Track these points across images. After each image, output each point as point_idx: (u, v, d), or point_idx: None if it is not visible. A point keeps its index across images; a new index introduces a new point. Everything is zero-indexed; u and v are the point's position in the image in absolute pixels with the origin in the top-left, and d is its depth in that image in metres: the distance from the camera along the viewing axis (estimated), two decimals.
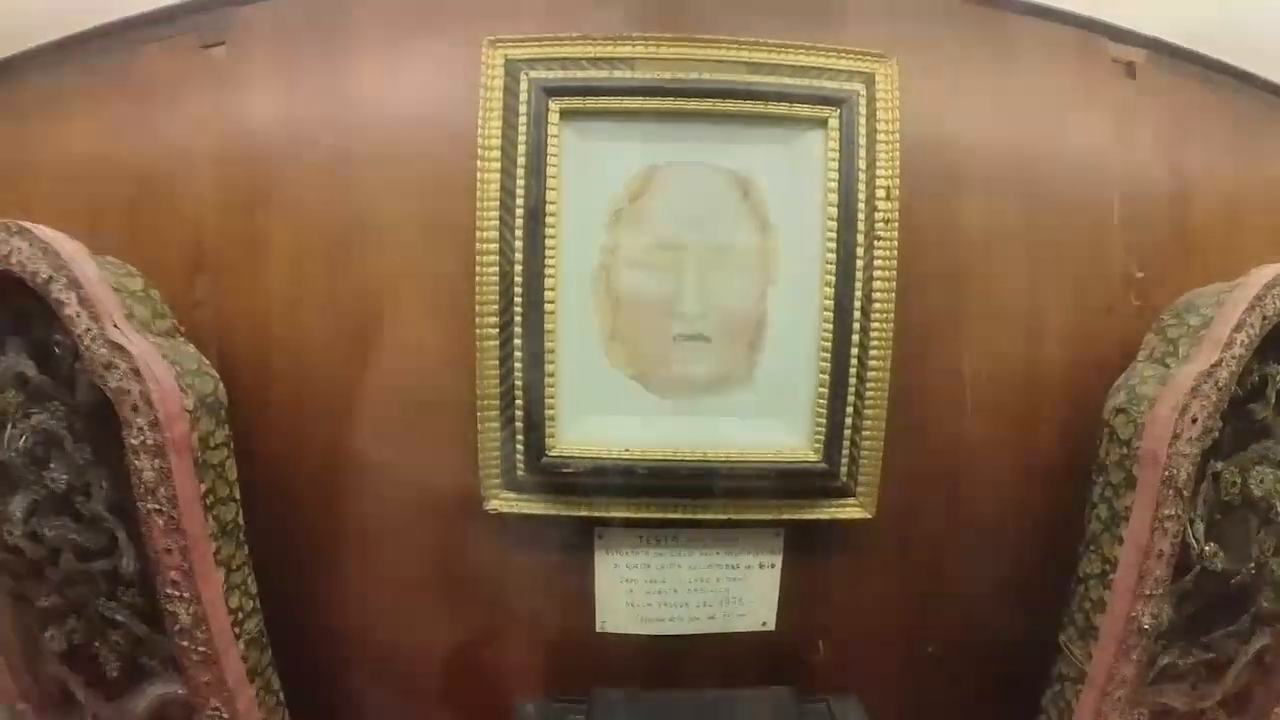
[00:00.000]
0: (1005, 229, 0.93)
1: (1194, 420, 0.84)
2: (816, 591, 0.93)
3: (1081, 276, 0.96)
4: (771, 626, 0.93)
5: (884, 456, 0.87)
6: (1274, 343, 0.95)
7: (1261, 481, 0.96)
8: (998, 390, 0.94)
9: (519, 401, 0.81)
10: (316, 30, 0.85)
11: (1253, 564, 0.99)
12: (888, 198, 0.83)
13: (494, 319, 0.80)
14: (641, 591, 0.90)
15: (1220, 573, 0.98)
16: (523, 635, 0.91)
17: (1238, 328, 0.86)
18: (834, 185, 0.80)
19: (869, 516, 0.87)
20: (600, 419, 0.82)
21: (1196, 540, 0.94)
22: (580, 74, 0.79)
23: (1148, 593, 0.86)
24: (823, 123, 0.81)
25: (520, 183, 0.79)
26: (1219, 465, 0.95)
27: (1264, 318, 0.88)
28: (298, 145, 0.84)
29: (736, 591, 0.91)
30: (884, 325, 0.83)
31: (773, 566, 0.91)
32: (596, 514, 0.85)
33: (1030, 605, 0.97)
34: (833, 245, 0.81)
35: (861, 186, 0.81)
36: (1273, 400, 0.95)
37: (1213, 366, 0.85)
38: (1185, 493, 0.85)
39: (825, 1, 0.88)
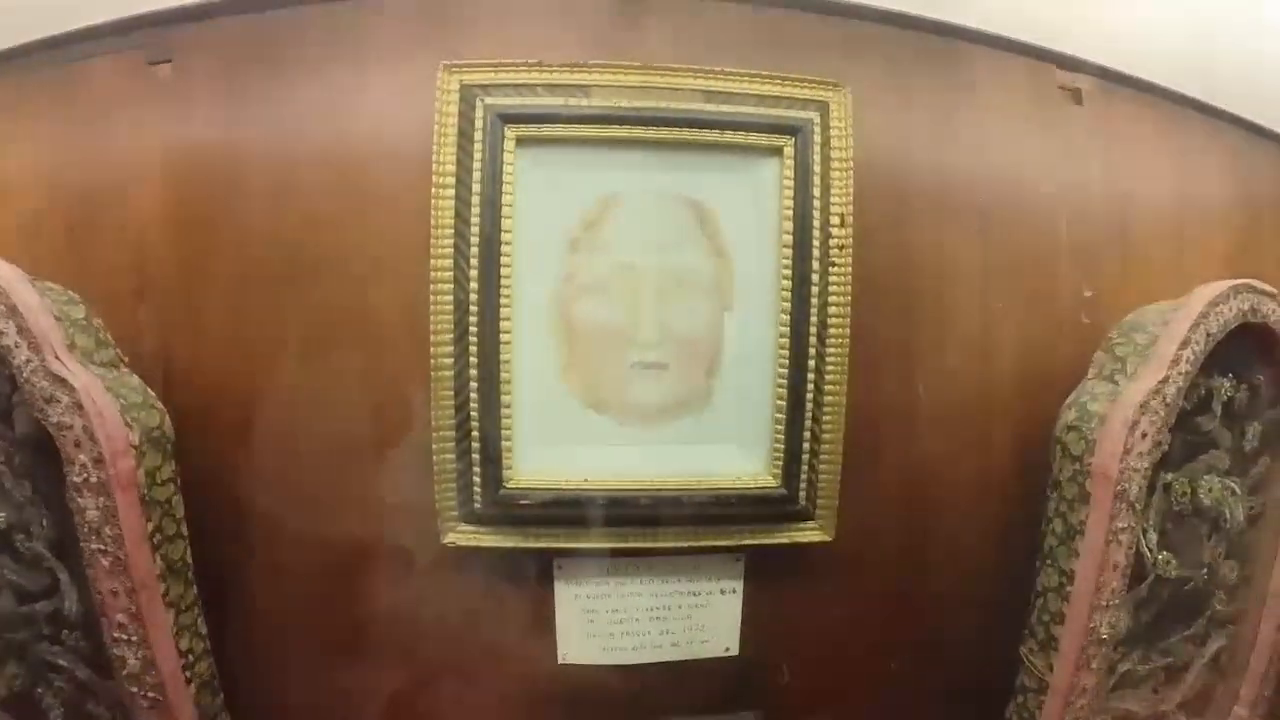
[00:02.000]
0: (957, 253, 0.95)
1: (1144, 435, 0.86)
2: (779, 616, 0.93)
3: (1032, 297, 0.98)
4: (735, 652, 0.93)
5: (842, 479, 0.88)
6: (1217, 357, 0.98)
7: (1210, 490, 0.98)
8: (952, 410, 0.95)
9: (475, 433, 0.80)
10: (263, 50, 0.83)
11: (1205, 569, 1.02)
12: (842, 224, 0.84)
13: (449, 349, 0.79)
14: (603, 621, 0.89)
15: (1174, 579, 1.00)
16: (484, 670, 0.89)
17: (1183, 345, 0.88)
18: (789, 212, 0.81)
19: (828, 539, 0.87)
20: (558, 449, 0.82)
21: (1150, 550, 0.96)
22: (536, 101, 0.79)
23: (1105, 603, 0.88)
24: (778, 151, 0.81)
25: (475, 210, 0.78)
26: (1169, 477, 0.98)
27: (1208, 334, 0.90)
28: (244, 168, 0.82)
29: (699, 618, 0.91)
30: (840, 349, 0.84)
31: (734, 592, 0.91)
32: (556, 545, 0.84)
33: (991, 619, 0.99)
34: (788, 271, 0.81)
35: (816, 213, 0.82)
36: (1218, 413, 0.98)
37: (1160, 383, 0.87)
38: (1137, 505, 0.87)
39: (780, 31, 0.89)
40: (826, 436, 0.85)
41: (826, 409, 0.84)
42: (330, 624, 0.87)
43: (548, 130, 0.79)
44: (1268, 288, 0.96)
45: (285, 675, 0.88)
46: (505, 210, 0.78)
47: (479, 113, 0.78)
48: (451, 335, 0.79)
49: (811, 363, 0.82)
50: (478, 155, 0.78)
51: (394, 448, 0.84)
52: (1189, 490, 0.98)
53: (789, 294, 0.81)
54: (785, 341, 0.82)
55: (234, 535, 0.84)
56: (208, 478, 0.82)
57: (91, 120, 0.84)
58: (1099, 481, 0.86)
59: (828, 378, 0.84)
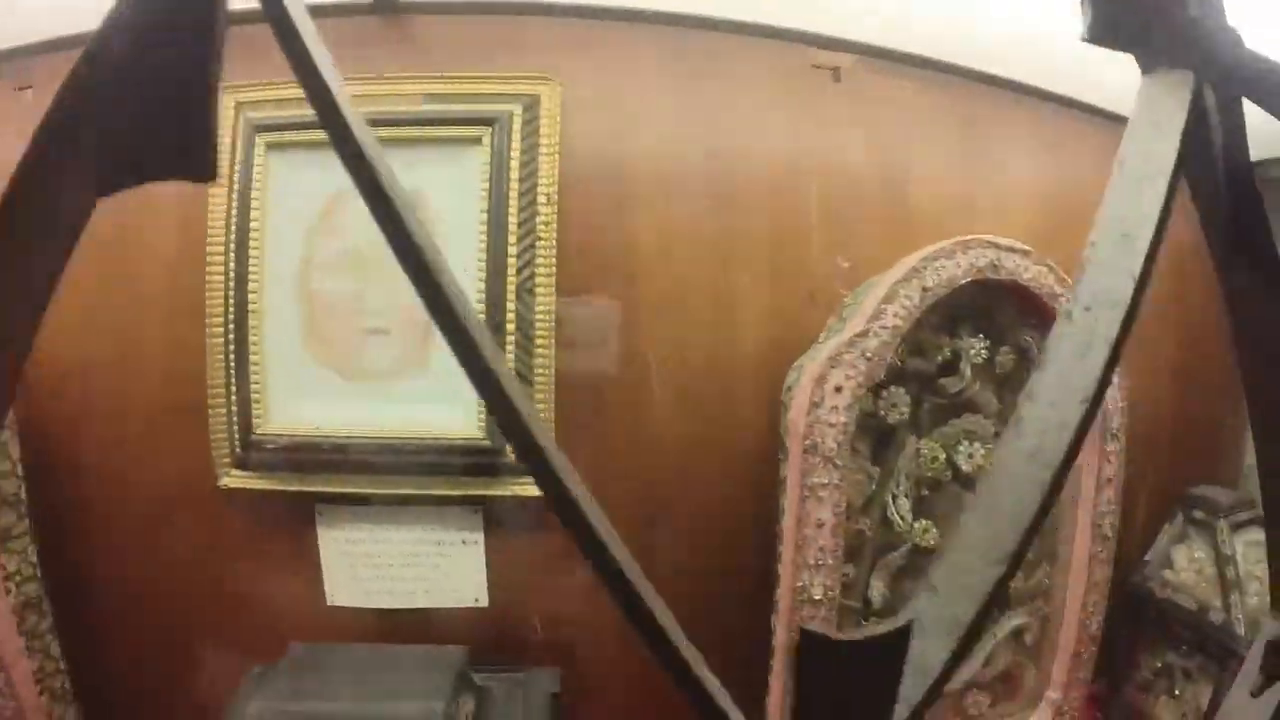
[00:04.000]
0: (689, 230, 1.00)
1: (837, 389, 0.87)
2: (524, 571, 1.00)
3: (778, 270, 1.02)
4: (485, 604, 1.00)
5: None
6: (967, 317, 0.96)
7: (970, 457, 0.97)
8: (687, 379, 1.00)
9: (234, 390, 0.95)
10: None
11: None
12: (548, 203, 0.93)
13: (219, 322, 0.96)
14: (362, 566, 1.00)
15: (935, 549, 0.97)
16: (260, 608, 1.02)
17: (887, 299, 0.89)
18: (485, 193, 0.92)
19: None
20: (301, 403, 0.95)
21: (902, 516, 0.95)
22: (284, 113, 0.95)
23: (813, 563, 0.88)
24: (478, 140, 0.93)
25: (236, 205, 0.95)
26: (919, 441, 0.96)
27: (923, 289, 0.90)
28: None
29: (446, 567, 0.99)
30: (546, 317, 0.93)
31: (476, 543, 0.99)
32: (300, 488, 0.96)
33: (743, 586, 1.00)
34: (484, 245, 0.91)
35: (514, 195, 0.92)
36: (968, 374, 0.96)
37: (856, 336, 0.88)
38: (838, 462, 0.87)
39: (518, 35, 1.01)
40: (538, 395, 0.92)
41: (537, 371, 0.92)
42: (144, 558, 1.03)
43: (290, 136, 0.95)
44: (1014, 243, 0.95)
45: (107, 602, 1.04)
46: (255, 204, 0.94)
47: (240, 125, 0.95)
48: (222, 308, 0.95)
49: (511, 327, 0.91)
50: (238, 159, 0.95)
51: (186, 410, 1.00)
52: (942, 456, 0.96)
53: (484, 266, 0.91)
54: (484, 309, 0.91)
55: (70, 480, 1.03)
56: (46, 431, 1.01)
57: None
58: (792, 437, 0.88)
59: (537, 344, 0.92)
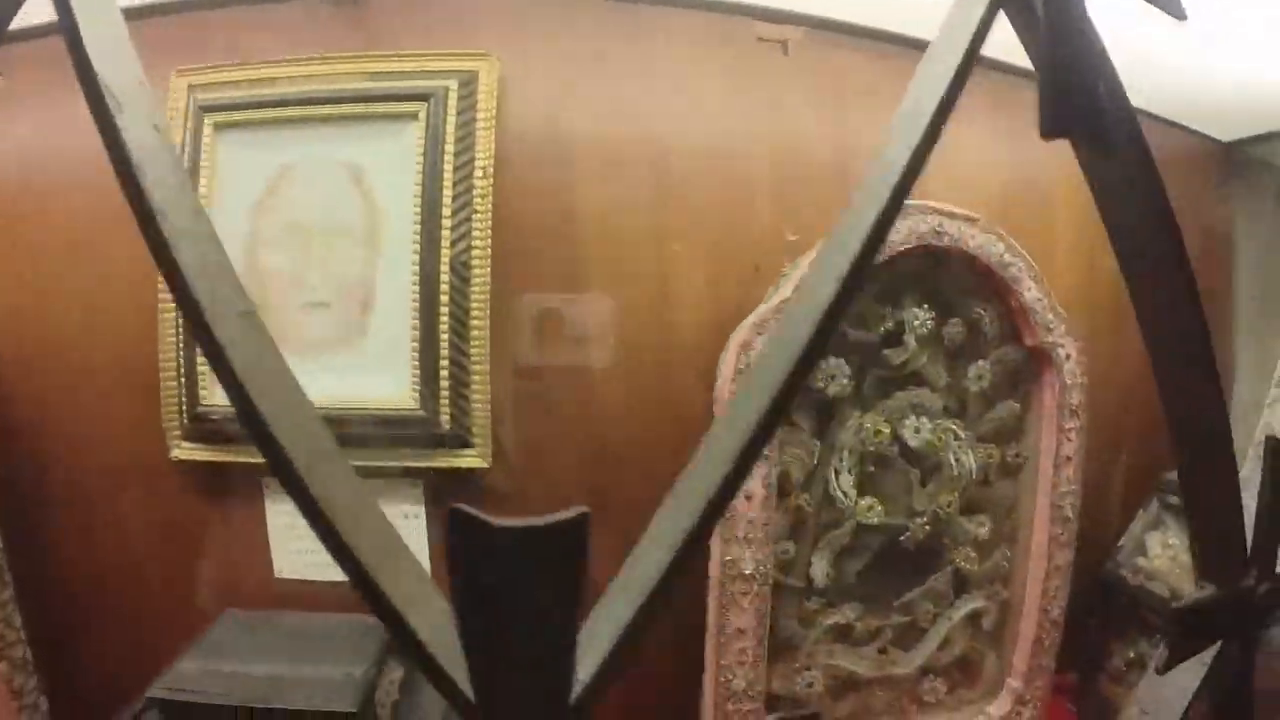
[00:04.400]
0: (631, 204, 1.00)
1: None
2: None
3: (721, 244, 1.01)
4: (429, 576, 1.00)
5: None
6: (912, 287, 0.95)
7: (917, 432, 0.95)
8: (630, 351, 0.99)
9: (183, 363, 0.97)
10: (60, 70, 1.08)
11: (923, 519, 0.96)
12: (485, 176, 0.94)
13: (170, 297, 0.98)
14: (307, 539, 1.00)
15: (884, 528, 0.96)
16: (213, 578, 1.04)
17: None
18: (419, 167, 0.92)
19: (485, 465, 0.94)
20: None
21: (844, 492, 0.94)
22: (233, 94, 0.97)
23: (742, 536, 0.87)
24: (414, 116, 0.94)
25: None
26: (861, 416, 0.94)
27: None
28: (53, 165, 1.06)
29: None
30: (482, 290, 0.93)
31: (417, 517, 0.99)
32: (247, 459, 0.97)
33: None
34: (418, 219, 0.92)
35: (449, 170, 0.92)
36: (912, 345, 0.94)
37: (783, 302, 0.87)
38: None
39: (459, 14, 1.01)
40: (475, 369, 0.93)
41: (472, 343, 0.93)
42: (102, 531, 1.06)
43: (238, 116, 0.97)
44: (956, 209, 0.93)
45: (66, 573, 1.07)
46: (203, 182, 0.97)
47: (190, 106, 0.98)
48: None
49: (445, 298, 0.92)
50: (187, 139, 0.97)
51: (142, 385, 1.02)
52: (887, 431, 0.94)
53: (419, 239, 0.92)
54: (418, 282, 0.92)
55: (32, 456, 1.06)
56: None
57: None
58: (719, 405, 0.87)
59: (473, 315, 0.93)
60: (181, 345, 0.97)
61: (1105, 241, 0.39)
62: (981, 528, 0.99)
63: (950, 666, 1.02)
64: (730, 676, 0.88)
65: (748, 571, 0.87)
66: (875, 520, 0.94)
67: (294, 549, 1.02)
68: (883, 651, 0.98)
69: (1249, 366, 1.37)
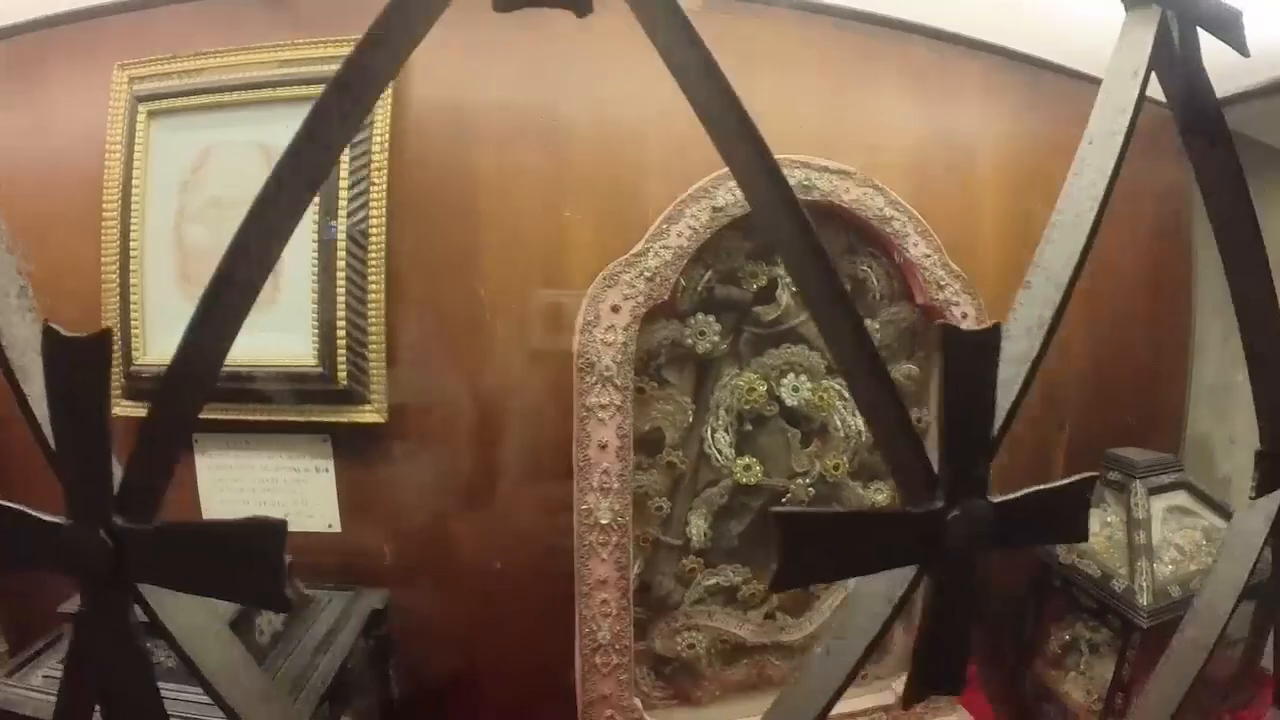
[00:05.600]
0: (526, 174, 1.03)
1: (615, 309, 0.87)
2: (371, 497, 1.05)
3: (612, 209, 1.03)
4: (338, 529, 1.06)
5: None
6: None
7: (796, 390, 0.94)
8: (524, 314, 1.03)
9: (120, 327, 1.07)
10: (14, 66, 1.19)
11: (806, 481, 0.95)
12: (382, 150, 0.99)
13: (112, 268, 1.08)
14: (231, 491, 1.08)
15: (765, 489, 0.95)
16: None
17: (671, 218, 0.89)
18: None
19: (381, 421, 1.00)
20: (173, 337, 1.05)
21: (720, 451, 0.94)
22: (165, 84, 1.07)
23: (598, 486, 0.88)
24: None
25: (122, 167, 1.07)
26: (735, 372, 0.94)
27: (714, 208, 0.89)
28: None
29: (301, 493, 1.06)
30: (378, 256, 0.99)
31: (327, 471, 1.05)
32: None
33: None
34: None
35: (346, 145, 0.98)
36: (785, 301, 0.93)
37: (634, 255, 0.88)
38: (618, 382, 0.87)
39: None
40: (371, 329, 0.99)
41: (369, 305, 0.99)
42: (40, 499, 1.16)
43: (167, 104, 1.06)
44: (830, 163, 0.92)
45: None
46: (137, 164, 1.06)
47: (128, 96, 1.08)
48: (114, 257, 1.08)
49: (341, 264, 0.98)
50: (122, 125, 1.08)
51: None
52: (761, 389, 0.94)
53: (316, 211, 0.98)
54: (315, 251, 0.98)
55: None
56: None
57: None
58: (575, 357, 0.88)
59: (370, 280, 0.99)
60: (119, 314, 1.07)
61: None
62: (879, 494, 0.96)
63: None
64: (595, 628, 0.89)
65: (604, 521, 0.88)
66: (753, 480, 0.93)
67: (221, 499, 1.09)
68: (769, 617, 0.97)
69: (1213, 346, 1.27)
